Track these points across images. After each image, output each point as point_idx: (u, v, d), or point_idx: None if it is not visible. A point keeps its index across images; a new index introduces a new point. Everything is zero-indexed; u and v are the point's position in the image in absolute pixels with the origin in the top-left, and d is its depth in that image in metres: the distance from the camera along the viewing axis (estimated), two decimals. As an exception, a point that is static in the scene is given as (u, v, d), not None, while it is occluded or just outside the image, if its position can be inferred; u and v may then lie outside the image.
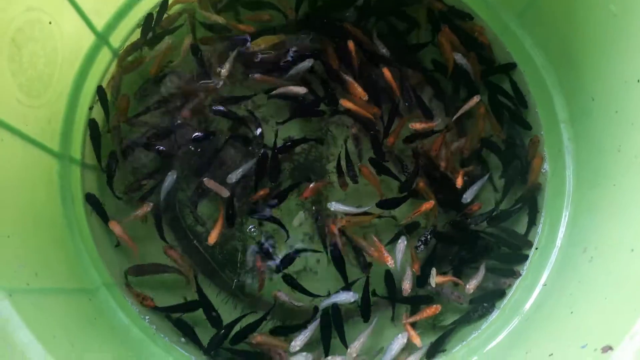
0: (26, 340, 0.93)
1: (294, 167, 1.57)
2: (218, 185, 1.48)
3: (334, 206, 1.49)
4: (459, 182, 1.50)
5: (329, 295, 1.46)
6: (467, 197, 1.52)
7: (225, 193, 1.47)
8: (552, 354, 1.14)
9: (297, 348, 1.40)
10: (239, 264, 1.48)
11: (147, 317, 1.42)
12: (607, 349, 1.00)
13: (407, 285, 1.45)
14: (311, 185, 1.50)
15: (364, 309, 1.44)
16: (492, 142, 1.59)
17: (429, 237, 1.50)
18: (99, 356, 1.14)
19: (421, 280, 1.48)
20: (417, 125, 1.53)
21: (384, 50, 1.60)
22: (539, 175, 1.57)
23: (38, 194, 1.28)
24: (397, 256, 1.47)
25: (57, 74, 1.34)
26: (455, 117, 1.55)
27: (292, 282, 1.46)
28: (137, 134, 1.54)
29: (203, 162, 1.52)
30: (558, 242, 1.46)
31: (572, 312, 1.22)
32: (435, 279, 1.44)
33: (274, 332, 1.44)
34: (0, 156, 1.15)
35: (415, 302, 1.47)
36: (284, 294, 1.45)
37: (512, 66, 1.61)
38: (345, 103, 1.53)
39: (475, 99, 1.55)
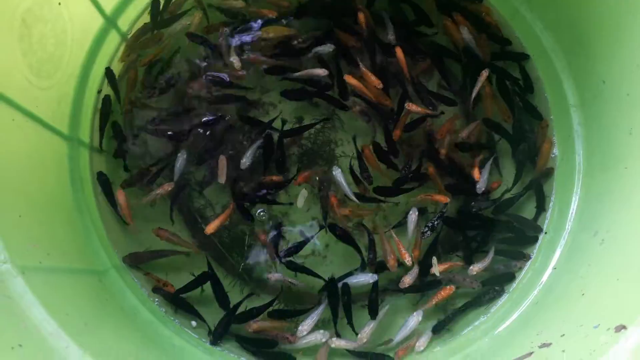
0: (40, 317, 0.93)
1: (302, 152, 1.56)
2: (223, 169, 1.48)
3: (338, 174, 1.48)
4: (477, 174, 1.49)
5: (349, 274, 1.45)
6: (481, 187, 1.51)
7: (222, 180, 1.47)
8: (563, 335, 1.14)
9: (304, 332, 1.40)
10: (246, 248, 1.48)
11: (156, 300, 1.42)
12: (621, 328, 1.00)
13: (407, 279, 1.44)
14: (305, 173, 1.50)
15: (372, 307, 1.43)
16: (500, 125, 1.58)
17: (436, 223, 1.50)
18: (112, 336, 1.13)
19: (423, 269, 1.47)
20: (412, 107, 1.52)
21: (391, 37, 1.59)
22: (549, 159, 1.57)
23: (48, 176, 1.28)
24: (410, 227, 1.46)
25: (66, 56, 1.34)
26: (473, 95, 1.54)
27: (295, 267, 1.46)
28: (147, 119, 1.54)
29: (212, 146, 1.52)
30: (568, 226, 1.46)
31: (583, 294, 1.22)
32: (437, 267, 1.44)
33: (272, 314, 1.43)
34: (12, 136, 1.15)
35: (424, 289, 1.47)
36: (278, 274, 1.44)
37: (524, 56, 1.60)
38: (350, 79, 1.52)
39: (484, 73, 1.54)
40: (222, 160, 1.48)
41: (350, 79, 1.53)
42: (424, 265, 1.47)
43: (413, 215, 1.47)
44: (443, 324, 1.44)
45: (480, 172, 1.51)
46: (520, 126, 1.58)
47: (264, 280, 1.48)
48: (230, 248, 1.49)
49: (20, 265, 0.97)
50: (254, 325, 1.40)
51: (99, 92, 1.52)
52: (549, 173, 1.55)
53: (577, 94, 1.51)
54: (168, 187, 1.46)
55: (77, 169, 1.41)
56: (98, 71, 1.49)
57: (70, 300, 1.08)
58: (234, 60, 1.53)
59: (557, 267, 1.43)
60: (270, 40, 1.59)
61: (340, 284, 1.43)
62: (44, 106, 1.27)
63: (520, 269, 1.50)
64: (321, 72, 1.54)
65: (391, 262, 1.44)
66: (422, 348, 1.40)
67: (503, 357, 1.26)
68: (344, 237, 1.47)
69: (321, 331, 1.40)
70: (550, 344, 1.15)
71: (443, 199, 1.48)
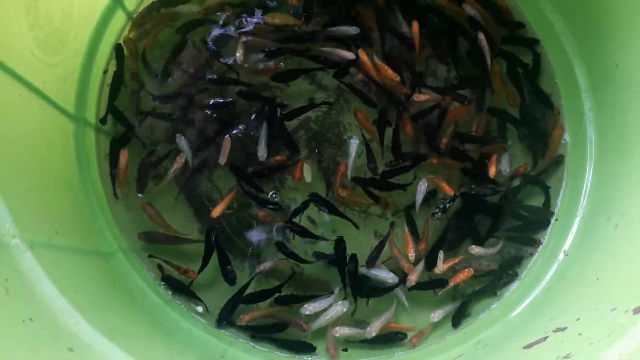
0: (50, 292, 0.91)
1: (310, 136, 1.54)
2: (226, 150, 1.46)
3: (353, 145, 1.47)
4: (492, 171, 1.47)
5: (369, 266, 1.44)
6: (505, 168, 1.50)
7: (222, 161, 1.45)
8: (579, 319, 1.13)
9: (307, 312, 1.38)
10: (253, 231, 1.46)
11: (162, 284, 1.40)
12: (639, 310, 0.98)
13: (413, 277, 1.41)
14: (302, 164, 1.47)
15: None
16: (507, 113, 1.56)
17: (447, 205, 1.48)
18: (120, 317, 1.11)
19: (429, 262, 1.44)
20: (421, 97, 1.51)
21: (406, 30, 1.56)
22: (560, 146, 1.55)
23: (55, 155, 1.26)
24: (418, 198, 1.45)
25: (73, 32, 1.31)
26: (490, 66, 1.53)
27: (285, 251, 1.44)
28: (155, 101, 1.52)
29: (219, 128, 1.50)
30: (580, 212, 1.44)
31: (597, 279, 1.21)
32: (441, 264, 1.42)
33: (279, 300, 1.41)
34: (19, 112, 1.12)
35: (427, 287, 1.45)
36: (268, 263, 1.43)
37: (534, 41, 1.58)
38: (363, 55, 1.50)
39: (481, 36, 1.52)
40: (227, 142, 1.46)
41: (363, 55, 1.50)
42: (431, 260, 1.44)
43: (422, 187, 1.46)
44: (460, 315, 1.42)
45: (497, 165, 1.49)
46: (529, 112, 1.56)
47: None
48: (239, 232, 1.46)
49: (29, 240, 0.95)
50: (245, 317, 1.37)
51: (105, 72, 1.49)
52: (559, 160, 1.54)
53: (588, 78, 1.49)
54: (181, 159, 1.44)
55: (83, 148, 1.38)
56: (104, 50, 1.47)
57: (79, 279, 1.06)
58: (239, 54, 1.51)
59: (569, 253, 1.42)
60: (274, 26, 1.56)
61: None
62: (50, 83, 1.24)
63: (531, 254, 1.49)
64: (349, 55, 1.51)
65: (406, 266, 1.43)
66: (436, 319, 1.39)
67: (516, 343, 1.24)
68: (330, 207, 1.46)
69: (340, 302, 1.37)
70: (565, 328, 1.13)
71: (449, 190, 1.46)
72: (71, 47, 1.32)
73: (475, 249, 1.44)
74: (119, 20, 1.49)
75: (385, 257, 1.47)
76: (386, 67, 1.50)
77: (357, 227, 1.46)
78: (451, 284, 1.42)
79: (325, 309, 1.38)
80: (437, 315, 1.41)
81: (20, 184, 1.04)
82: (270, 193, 1.49)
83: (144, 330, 1.15)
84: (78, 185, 1.33)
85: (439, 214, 1.47)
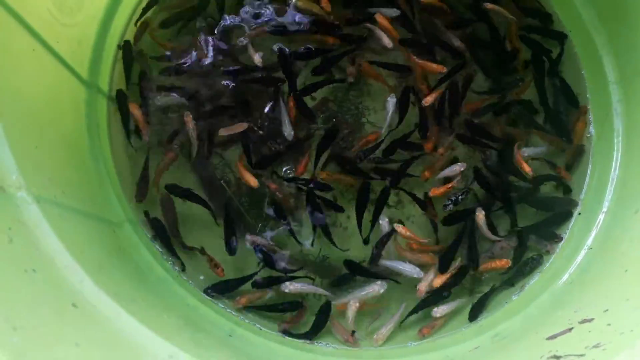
0: (55, 247, 0.86)
1: (327, 115, 1.50)
2: (235, 130, 1.42)
3: (390, 103, 1.44)
4: (528, 169, 1.42)
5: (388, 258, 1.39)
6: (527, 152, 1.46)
7: (223, 133, 1.41)
8: (607, 310, 1.07)
9: (287, 290, 1.33)
10: (265, 208, 1.41)
11: (170, 260, 1.34)
12: (675, 298, 0.93)
13: (422, 287, 1.35)
14: (303, 160, 1.43)
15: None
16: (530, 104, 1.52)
17: (460, 198, 1.42)
18: (126, 285, 1.06)
19: (443, 265, 1.38)
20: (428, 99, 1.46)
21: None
22: (583, 139, 1.50)
23: (65, 117, 1.22)
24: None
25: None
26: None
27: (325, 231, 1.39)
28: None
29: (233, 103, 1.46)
30: (605, 206, 1.39)
31: (626, 271, 1.15)
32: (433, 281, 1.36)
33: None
34: (31, 66, 1.09)
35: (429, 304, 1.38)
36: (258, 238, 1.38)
37: (563, 35, 1.53)
38: (380, 18, 1.47)
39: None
40: (240, 126, 1.42)
41: (380, 18, 1.47)
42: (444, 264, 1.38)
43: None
44: (478, 310, 1.36)
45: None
46: (553, 106, 1.51)
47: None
48: (248, 209, 1.42)
49: (35, 194, 0.90)
50: (242, 300, 1.33)
51: (119, 46, 1.46)
52: (581, 152, 1.49)
53: (617, 69, 1.44)
54: (188, 118, 1.41)
55: (95, 115, 1.34)
56: (120, 20, 1.43)
57: (86, 241, 1.01)
58: (256, 57, 1.47)
59: (592, 247, 1.36)
60: (301, 11, 1.52)
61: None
62: (64, 43, 1.20)
63: (548, 252, 1.43)
64: (388, 43, 1.46)
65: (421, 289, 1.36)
66: (437, 315, 1.33)
67: (537, 335, 1.19)
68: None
69: (378, 282, 1.33)
70: (592, 319, 1.08)
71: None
72: (88, 10, 1.29)
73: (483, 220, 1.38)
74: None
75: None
76: (431, 64, 1.47)
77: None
78: (482, 268, 1.37)
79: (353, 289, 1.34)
80: (440, 310, 1.34)
81: (28, 138, 0.99)
82: (285, 169, 1.44)
83: (150, 299, 1.09)
84: (87, 151, 1.28)
85: (451, 206, 1.42)
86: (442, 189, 1.41)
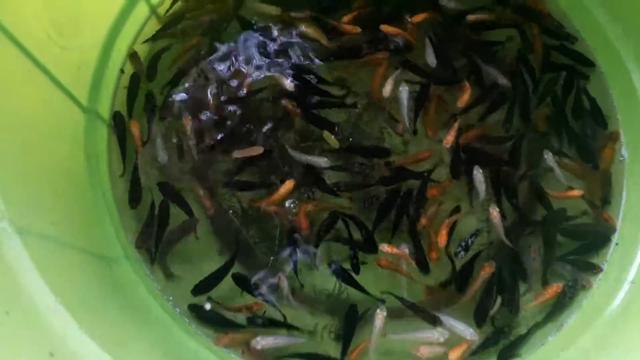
0: (36, 286, 0.76)
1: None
2: (249, 153, 1.33)
3: (404, 92, 1.38)
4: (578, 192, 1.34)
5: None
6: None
7: (237, 155, 1.33)
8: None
9: (259, 347, 1.20)
10: (277, 241, 1.30)
11: (170, 298, 1.24)
12: None
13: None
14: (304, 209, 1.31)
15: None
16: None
17: (470, 242, 1.31)
18: (117, 326, 0.95)
19: (462, 283, 1.28)
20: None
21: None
22: (611, 166, 1.39)
23: (62, 144, 1.15)
24: (480, 188, 1.31)
25: (90, 15, 1.22)
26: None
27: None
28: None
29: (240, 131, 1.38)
30: (646, 235, 1.27)
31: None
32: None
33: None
34: (25, 88, 1.02)
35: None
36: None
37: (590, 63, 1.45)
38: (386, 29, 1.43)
39: None
40: (257, 149, 1.33)
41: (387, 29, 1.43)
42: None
43: (478, 175, 1.32)
44: (510, 350, 1.23)
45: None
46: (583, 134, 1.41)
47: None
48: (259, 242, 1.31)
49: (19, 225, 0.81)
50: (224, 339, 1.20)
51: (122, 71, 1.40)
52: (609, 178, 1.37)
53: (649, 87, 1.36)
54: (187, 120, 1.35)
55: (94, 143, 1.27)
56: (122, 44, 1.37)
57: (73, 278, 0.91)
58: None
59: (635, 281, 1.23)
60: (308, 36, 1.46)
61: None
62: (62, 67, 1.14)
63: (584, 287, 1.30)
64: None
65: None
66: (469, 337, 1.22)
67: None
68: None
69: (439, 330, 1.20)
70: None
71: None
72: (88, 34, 1.24)
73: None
74: (140, 13, 1.40)
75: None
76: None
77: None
78: (536, 301, 1.26)
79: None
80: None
81: (16, 164, 0.91)
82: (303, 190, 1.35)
83: (144, 344, 0.98)
84: (85, 180, 1.20)
85: (462, 253, 1.30)
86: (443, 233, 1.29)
